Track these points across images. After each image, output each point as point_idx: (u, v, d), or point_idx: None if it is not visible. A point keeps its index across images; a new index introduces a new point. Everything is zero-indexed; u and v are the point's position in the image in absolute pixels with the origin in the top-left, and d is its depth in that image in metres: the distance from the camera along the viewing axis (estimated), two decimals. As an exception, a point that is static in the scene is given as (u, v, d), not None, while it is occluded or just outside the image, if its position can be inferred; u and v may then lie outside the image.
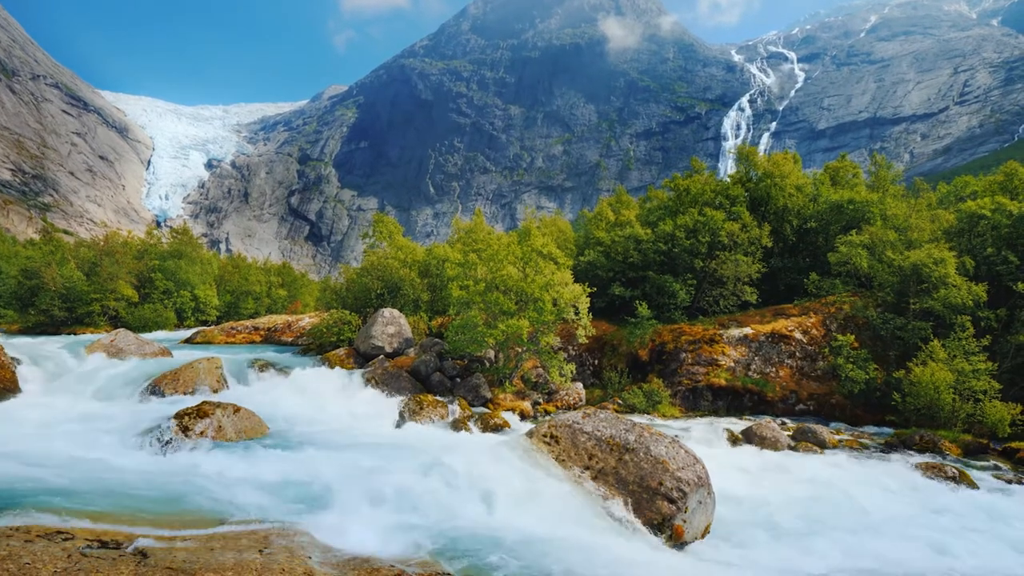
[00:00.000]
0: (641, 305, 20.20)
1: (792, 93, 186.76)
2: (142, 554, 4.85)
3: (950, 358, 15.54)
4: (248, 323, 29.08)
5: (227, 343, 25.95)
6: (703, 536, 7.86)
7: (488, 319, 17.29)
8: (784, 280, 24.58)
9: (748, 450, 13.07)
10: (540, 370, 18.43)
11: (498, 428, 13.84)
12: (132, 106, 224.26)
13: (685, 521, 7.61)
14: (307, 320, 28.21)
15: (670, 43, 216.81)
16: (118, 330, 19.36)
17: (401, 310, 22.56)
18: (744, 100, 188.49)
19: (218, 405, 10.77)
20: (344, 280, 28.33)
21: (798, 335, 19.49)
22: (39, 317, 31.93)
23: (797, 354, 19.05)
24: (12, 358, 14.21)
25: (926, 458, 12.74)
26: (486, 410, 15.92)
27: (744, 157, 28.05)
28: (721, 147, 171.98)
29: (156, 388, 14.31)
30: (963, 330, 16.17)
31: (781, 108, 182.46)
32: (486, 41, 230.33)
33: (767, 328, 19.80)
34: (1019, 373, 16.41)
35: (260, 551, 5.28)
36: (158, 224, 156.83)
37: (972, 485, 10.80)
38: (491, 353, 18.82)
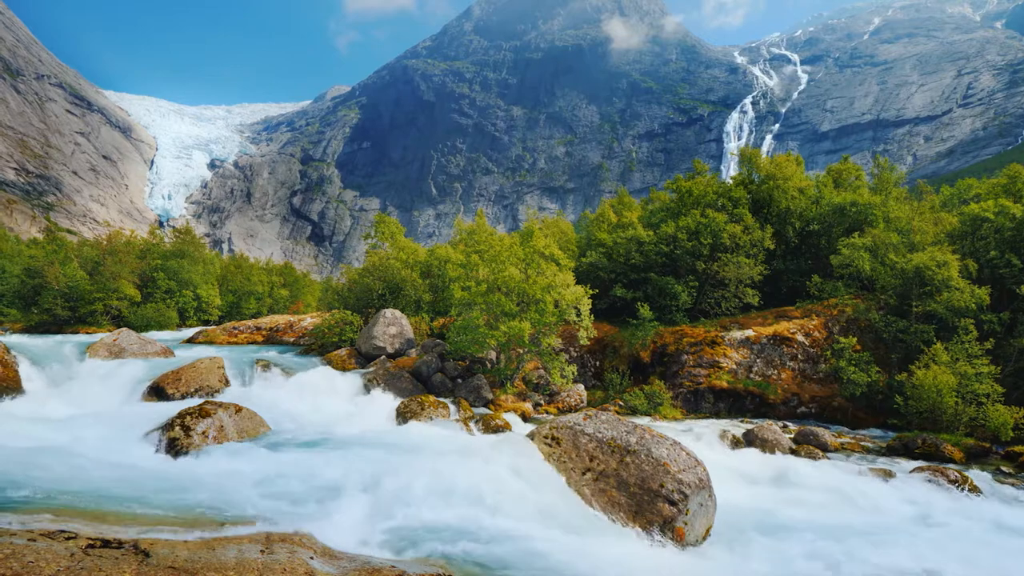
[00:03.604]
0: (643, 307, 20.19)
1: (795, 95, 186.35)
2: (144, 553, 4.87)
3: (953, 361, 15.49)
4: (250, 323, 29.11)
5: (229, 343, 25.98)
6: (704, 539, 7.85)
7: (490, 320, 17.30)
8: (786, 282, 24.55)
9: (749, 453, 13.04)
10: (541, 371, 18.43)
11: (499, 429, 13.84)
12: (135, 106, 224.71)
13: (686, 523, 7.60)
14: (309, 320, 28.24)
15: (673, 45, 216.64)
16: (120, 329, 19.40)
17: (403, 311, 22.58)
18: (747, 102, 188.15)
19: (220, 405, 10.79)
20: (346, 280, 28.38)
21: (800, 337, 19.46)
22: (42, 316, 32.00)
23: (799, 356, 19.02)
24: (15, 357, 14.24)
25: (928, 462, 12.70)
26: (487, 411, 15.92)
27: (746, 159, 28.04)
28: (723, 149, 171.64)
29: (158, 388, 14.35)
30: (966, 333, 16.12)
31: (784, 110, 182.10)
32: (489, 42, 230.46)
33: (769, 330, 19.77)
34: (1022, 376, 16.36)
35: (261, 551, 5.30)
36: (161, 224, 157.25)
37: (974, 489, 10.76)
38: (493, 354, 18.83)
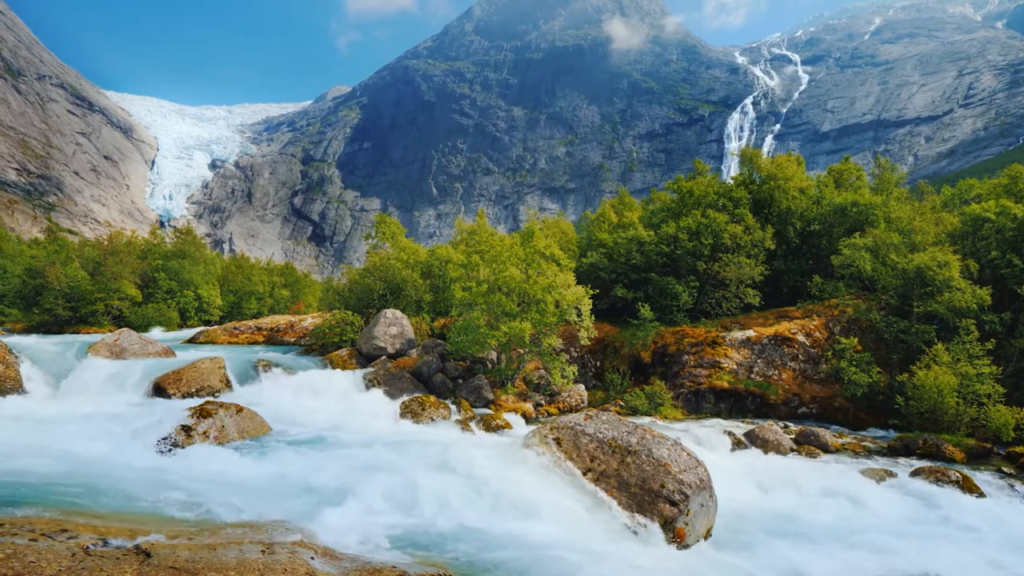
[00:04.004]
0: (643, 307, 20.18)
1: (796, 95, 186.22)
2: (145, 553, 4.87)
3: (954, 361, 15.47)
4: (251, 323, 29.12)
5: (230, 343, 26.00)
6: (705, 539, 7.85)
7: (490, 320, 17.29)
8: (787, 282, 24.53)
9: (750, 453, 13.05)
10: (542, 372, 18.43)
11: (500, 429, 13.84)
12: (137, 106, 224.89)
13: (687, 524, 7.60)
14: (310, 320, 28.25)
15: (674, 45, 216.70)
16: (121, 330, 19.40)
17: (403, 311, 22.59)
18: (747, 102, 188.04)
19: (221, 405, 10.80)
20: (347, 281, 28.40)
21: (801, 338, 19.45)
22: (43, 316, 32.05)
23: (800, 357, 19.00)
24: (16, 357, 14.26)
25: (929, 462, 12.69)
26: (488, 411, 15.92)
27: (747, 159, 28.03)
28: (724, 149, 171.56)
29: (159, 388, 14.36)
30: (967, 333, 16.10)
31: (785, 110, 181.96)
32: (489, 42, 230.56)
33: (770, 331, 19.76)
34: (1023, 377, 16.34)
35: (262, 551, 5.30)
36: (162, 224, 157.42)
37: (975, 490, 10.75)
38: (493, 354, 18.82)
